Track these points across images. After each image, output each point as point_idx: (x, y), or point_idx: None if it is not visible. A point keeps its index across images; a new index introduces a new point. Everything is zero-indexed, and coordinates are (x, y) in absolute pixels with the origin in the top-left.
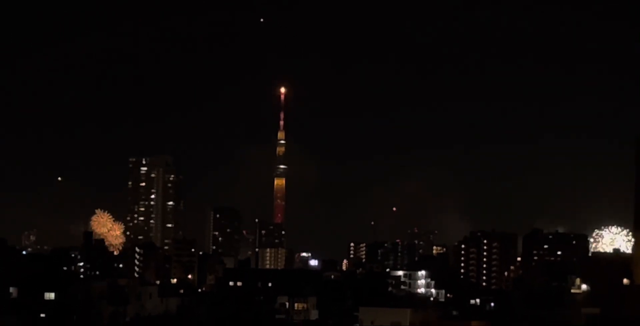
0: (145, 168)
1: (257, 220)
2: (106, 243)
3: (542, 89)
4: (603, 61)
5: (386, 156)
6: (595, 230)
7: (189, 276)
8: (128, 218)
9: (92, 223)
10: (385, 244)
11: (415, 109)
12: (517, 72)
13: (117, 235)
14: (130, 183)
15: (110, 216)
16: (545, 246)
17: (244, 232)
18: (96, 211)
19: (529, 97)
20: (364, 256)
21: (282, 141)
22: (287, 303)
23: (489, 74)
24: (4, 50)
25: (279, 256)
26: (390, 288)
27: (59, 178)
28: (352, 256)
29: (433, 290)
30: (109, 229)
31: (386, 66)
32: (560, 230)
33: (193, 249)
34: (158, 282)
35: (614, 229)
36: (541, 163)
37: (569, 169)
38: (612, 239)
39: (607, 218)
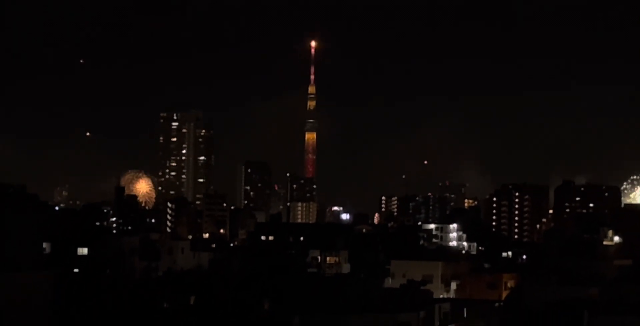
0: (176, 123)
1: (288, 174)
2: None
3: (566, 35)
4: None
5: (416, 109)
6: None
7: (221, 231)
8: (160, 173)
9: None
10: (417, 198)
11: (440, 59)
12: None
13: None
14: (161, 138)
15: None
16: (577, 198)
17: (275, 186)
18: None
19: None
20: (395, 210)
21: (313, 95)
22: (319, 257)
23: (512, 19)
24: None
25: (311, 210)
26: (422, 242)
27: (88, 133)
28: (383, 209)
29: (465, 243)
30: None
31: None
32: (590, 181)
33: (225, 204)
34: (190, 237)
35: None
36: (568, 113)
37: (597, 118)
38: None
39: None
